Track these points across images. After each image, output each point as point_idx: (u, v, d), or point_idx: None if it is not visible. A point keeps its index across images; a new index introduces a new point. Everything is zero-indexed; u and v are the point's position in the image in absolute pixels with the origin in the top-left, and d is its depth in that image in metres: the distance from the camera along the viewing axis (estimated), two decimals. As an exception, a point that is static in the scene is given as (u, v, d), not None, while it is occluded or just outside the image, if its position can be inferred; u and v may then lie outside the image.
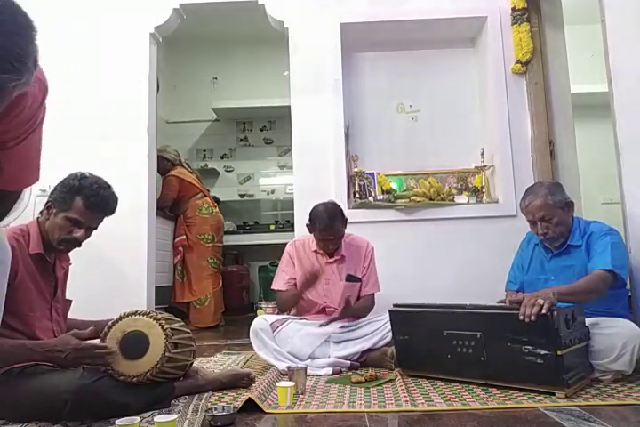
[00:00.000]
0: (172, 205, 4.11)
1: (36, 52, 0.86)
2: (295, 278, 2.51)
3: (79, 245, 1.76)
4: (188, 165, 4.41)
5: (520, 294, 2.22)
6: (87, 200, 1.69)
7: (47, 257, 1.73)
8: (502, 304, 1.94)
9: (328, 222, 2.40)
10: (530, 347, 1.73)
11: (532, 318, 1.68)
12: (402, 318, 2.08)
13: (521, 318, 1.71)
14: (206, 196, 4.24)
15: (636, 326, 1.89)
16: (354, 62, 3.57)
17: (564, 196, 2.14)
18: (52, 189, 1.76)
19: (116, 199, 1.78)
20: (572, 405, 1.60)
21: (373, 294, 2.54)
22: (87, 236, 1.75)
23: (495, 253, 2.59)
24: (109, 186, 1.78)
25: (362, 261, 2.54)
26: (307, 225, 2.52)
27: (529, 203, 2.14)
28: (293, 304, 2.55)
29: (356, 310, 2.45)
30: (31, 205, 2.98)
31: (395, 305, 2.14)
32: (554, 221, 2.09)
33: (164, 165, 4.12)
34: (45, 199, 1.76)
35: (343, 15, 3.37)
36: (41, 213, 1.76)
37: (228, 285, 4.37)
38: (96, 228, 1.77)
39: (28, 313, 1.65)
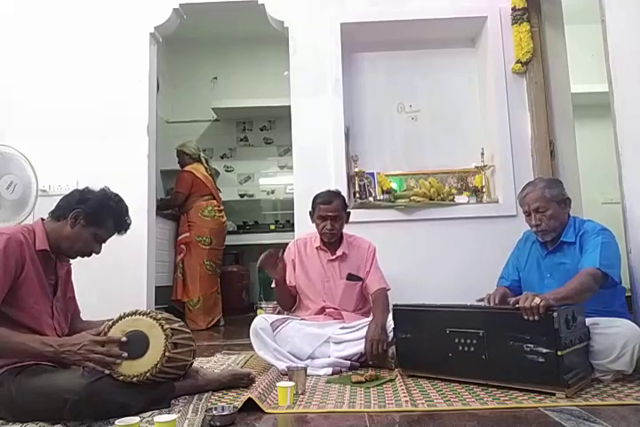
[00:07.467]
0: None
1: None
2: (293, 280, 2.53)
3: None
4: (206, 161, 4.35)
5: (502, 288, 2.26)
6: (119, 225, 1.82)
7: (51, 254, 1.74)
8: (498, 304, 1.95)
9: (327, 198, 2.49)
10: (531, 345, 1.73)
11: (536, 317, 1.71)
12: (405, 315, 2.09)
13: (526, 317, 1.73)
14: (214, 198, 4.18)
15: (636, 326, 1.89)
16: (354, 62, 3.57)
17: (561, 191, 2.17)
18: (58, 188, 1.77)
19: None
20: (571, 405, 1.60)
21: (384, 288, 2.48)
22: None
23: (495, 253, 2.59)
24: None
25: (364, 261, 2.54)
26: (309, 213, 2.57)
27: (526, 194, 2.18)
28: (288, 298, 2.56)
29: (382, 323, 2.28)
30: (32, 202, 2.98)
31: (395, 306, 2.15)
32: (548, 213, 2.11)
33: (184, 159, 4.15)
34: (46, 199, 1.77)
35: (343, 15, 3.37)
36: (52, 214, 1.76)
37: (227, 285, 4.37)
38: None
39: (33, 306, 1.65)
